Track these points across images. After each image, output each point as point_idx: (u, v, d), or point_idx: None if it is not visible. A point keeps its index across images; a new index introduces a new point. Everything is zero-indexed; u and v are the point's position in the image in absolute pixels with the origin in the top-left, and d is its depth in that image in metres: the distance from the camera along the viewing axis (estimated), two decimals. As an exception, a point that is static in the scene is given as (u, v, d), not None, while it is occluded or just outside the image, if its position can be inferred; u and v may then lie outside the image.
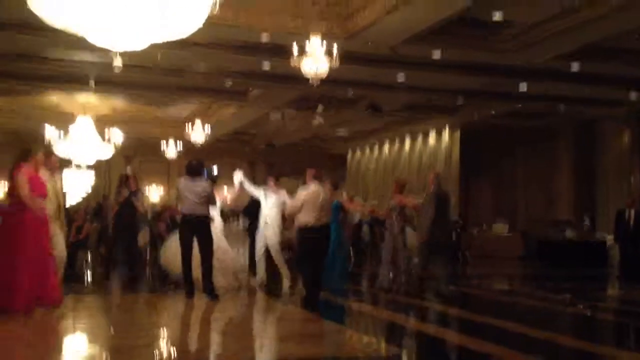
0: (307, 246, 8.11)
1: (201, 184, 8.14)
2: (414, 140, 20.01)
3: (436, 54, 11.52)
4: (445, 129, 18.78)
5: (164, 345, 5.74)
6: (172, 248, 9.52)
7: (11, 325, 6.09)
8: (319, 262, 8.11)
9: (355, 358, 5.28)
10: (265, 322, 7.53)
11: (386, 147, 21.31)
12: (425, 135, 19.54)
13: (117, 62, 6.64)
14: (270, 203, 9.42)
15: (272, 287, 9.55)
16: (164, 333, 6.34)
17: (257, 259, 9.65)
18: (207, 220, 8.27)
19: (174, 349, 5.54)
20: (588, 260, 14.33)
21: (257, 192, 9.67)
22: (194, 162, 8.37)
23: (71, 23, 6.30)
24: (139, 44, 6.57)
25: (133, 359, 4.97)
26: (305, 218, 7.88)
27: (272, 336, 6.44)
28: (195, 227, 8.09)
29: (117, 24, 6.14)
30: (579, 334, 6.84)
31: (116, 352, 5.17)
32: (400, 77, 12.84)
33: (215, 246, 8.44)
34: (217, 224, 9.44)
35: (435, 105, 16.62)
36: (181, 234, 8.31)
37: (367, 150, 22.49)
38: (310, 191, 7.97)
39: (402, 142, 20.49)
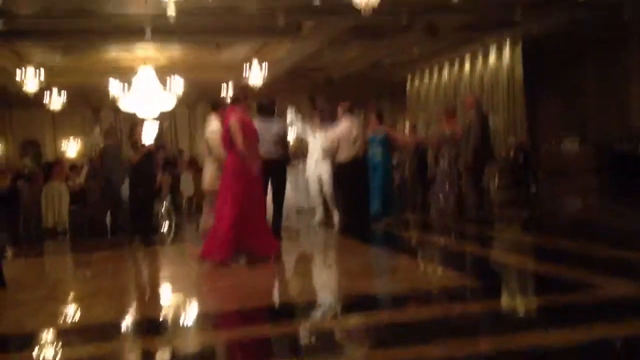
0: (344, 182, 8.37)
1: (276, 124, 7.70)
2: (474, 60, 19.43)
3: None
4: (505, 45, 18.11)
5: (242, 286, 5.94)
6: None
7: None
8: (358, 196, 8.29)
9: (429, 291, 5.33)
10: (337, 258, 7.67)
11: (446, 71, 20.80)
12: (486, 54, 18.92)
13: (171, 11, 6.68)
14: (320, 139, 9.43)
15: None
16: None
17: (314, 197, 9.67)
18: (284, 162, 7.91)
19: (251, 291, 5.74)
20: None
21: (304, 131, 9.72)
22: (266, 101, 7.85)
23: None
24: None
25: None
26: (341, 155, 8.13)
27: (346, 272, 6.55)
28: (271, 171, 7.51)
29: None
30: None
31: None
32: None
33: None
34: None
35: (493, 21, 16.02)
36: None
37: (427, 76, 22.02)
38: (342, 128, 8.17)
39: (462, 64, 19.93)
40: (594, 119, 18.17)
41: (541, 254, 6.71)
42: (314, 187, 9.67)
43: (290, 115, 9.89)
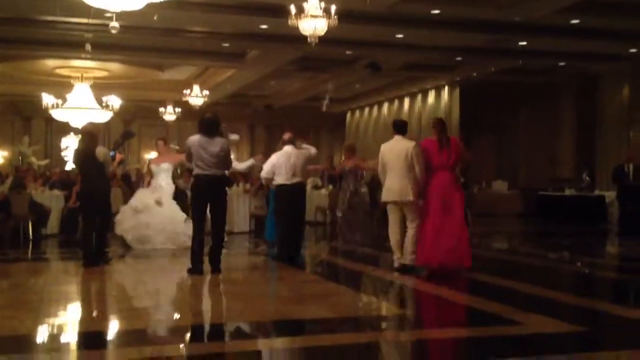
0: (281, 204, 8.50)
1: (219, 142, 7.35)
2: (412, 99, 19.92)
3: (434, 11, 11.42)
4: (444, 87, 18.67)
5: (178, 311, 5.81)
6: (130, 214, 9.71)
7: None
8: (293, 219, 8.38)
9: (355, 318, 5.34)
10: (268, 284, 7.61)
11: (385, 107, 21.23)
12: (424, 94, 19.44)
13: (114, 24, 6.58)
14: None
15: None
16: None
17: None
18: (224, 182, 7.63)
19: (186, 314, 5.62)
20: (587, 216, 14.39)
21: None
22: (210, 117, 7.50)
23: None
24: (136, 4, 6.54)
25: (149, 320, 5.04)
26: (277, 180, 8.31)
27: (277, 297, 6.49)
28: (210, 190, 7.28)
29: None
30: (579, 291, 6.93)
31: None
32: (399, 35, 12.72)
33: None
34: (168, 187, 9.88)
35: (434, 64, 16.51)
36: (194, 198, 7.51)
37: (366, 111, 22.41)
38: (279, 155, 8.39)
39: (401, 102, 20.40)
40: (524, 165, 18.86)
41: (467, 288, 6.83)
42: None
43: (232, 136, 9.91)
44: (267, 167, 8.66)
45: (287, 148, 8.59)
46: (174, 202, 9.98)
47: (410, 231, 7.38)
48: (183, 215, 9.78)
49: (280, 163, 8.47)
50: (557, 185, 16.51)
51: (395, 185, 7.33)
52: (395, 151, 7.36)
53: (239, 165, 10.15)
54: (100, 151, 8.01)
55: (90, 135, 8.10)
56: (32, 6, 10.99)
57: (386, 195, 7.47)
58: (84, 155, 7.95)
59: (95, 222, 7.99)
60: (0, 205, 11.64)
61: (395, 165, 7.31)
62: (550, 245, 10.89)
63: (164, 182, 9.87)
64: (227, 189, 8.20)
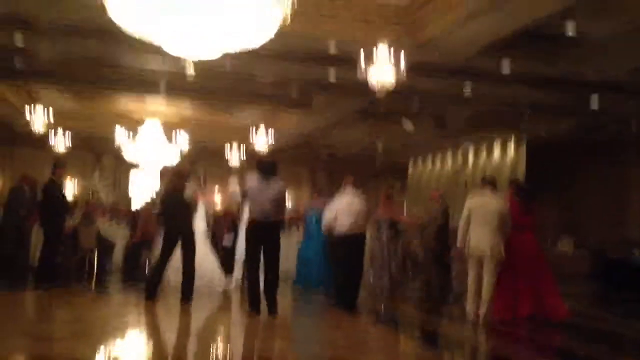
0: (339, 255, 8.39)
1: (276, 186, 7.41)
2: (477, 153, 19.64)
3: (507, 67, 11.32)
4: (510, 142, 18.37)
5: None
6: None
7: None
8: (351, 269, 8.28)
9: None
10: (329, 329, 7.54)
11: (449, 159, 21.01)
12: (490, 149, 19.15)
13: (191, 70, 6.80)
14: None
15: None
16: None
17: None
18: (279, 226, 7.62)
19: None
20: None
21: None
22: (267, 161, 7.72)
23: (148, 32, 6.53)
24: (213, 53, 6.75)
25: None
26: (339, 228, 8.20)
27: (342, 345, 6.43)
28: (265, 235, 7.31)
29: (193, 33, 6.33)
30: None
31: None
32: (468, 89, 12.66)
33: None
34: (201, 228, 9.83)
35: (501, 119, 16.31)
36: (249, 241, 7.54)
37: (430, 162, 22.21)
38: (342, 200, 8.27)
39: (466, 155, 20.13)
40: (590, 224, 18.23)
41: (535, 348, 6.60)
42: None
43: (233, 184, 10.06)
44: (329, 213, 8.58)
45: (349, 194, 8.48)
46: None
47: (488, 284, 7.56)
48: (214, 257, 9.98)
49: (342, 209, 8.38)
50: (626, 246, 15.88)
51: (485, 240, 7.43)
52: (487, 206, 7.51)
53: None
54: (189, 193, 8.23)
55: (179, 175, 8.33)
56: (110, 50, 11.46)
57: (474, 249, 7.52)
58: (172, 195, 8.13)
59: (183, 262, 8.10)
60: (69, 237, 12.02)
61: (486, 221, 7.43)
62: (618, 310, 10.43)
63: (200, 222, 9.98)
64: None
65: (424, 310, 9.28)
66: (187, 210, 8.19)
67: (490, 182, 7.93)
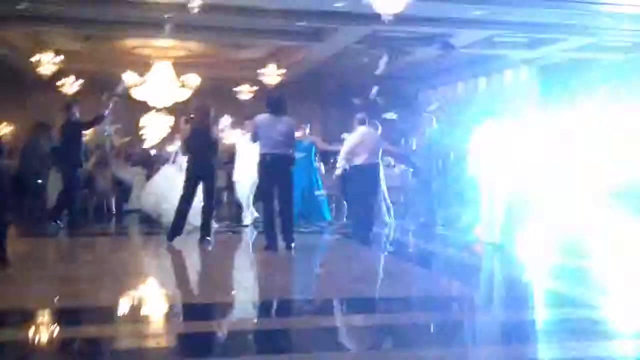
0: (353, 187, 8.49)
1: (286, 121, 7.47)
2: (490, 79, 19.35)
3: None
4: (521, 67, 18.06)
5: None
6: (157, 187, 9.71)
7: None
8: (365, 201, 8.36)
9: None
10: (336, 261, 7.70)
11: (459, 88, 20.76)
12: (500, 74, 18.87)
13: (194, 3, 6.71)
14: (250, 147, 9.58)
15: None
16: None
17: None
18: (291, 161, 7.61)
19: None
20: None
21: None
22: (276, 97, 7.71)
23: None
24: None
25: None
26: (355, 160, 8.29)
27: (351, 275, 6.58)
28: (277, 168, 7.35)
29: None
30: None
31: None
32: (476, 13, 12.40)
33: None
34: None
35: (510, 41, 16.00)
36: (262, 177, 7.59)
37: (439, 90, 21.97)
38: (356, 136, 8.37)
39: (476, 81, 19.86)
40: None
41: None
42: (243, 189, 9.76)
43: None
44: (345, 148, 8.69)
45: (362, 128, 8.59)
46: None
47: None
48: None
49: (357, 143, 8.47)
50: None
51: None
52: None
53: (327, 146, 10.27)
54: (215, 130, 8.16)
55: (206, 112, 8.11)
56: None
57: None
58: (199, 132, 7.91)
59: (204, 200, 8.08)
60: (85, 181, 12.18)
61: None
62: None
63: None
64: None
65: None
66: (212, 148, 8.07)
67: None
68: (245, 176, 9.74)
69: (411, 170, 11.40)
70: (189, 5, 6.81)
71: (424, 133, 10.92)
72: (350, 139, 8.71)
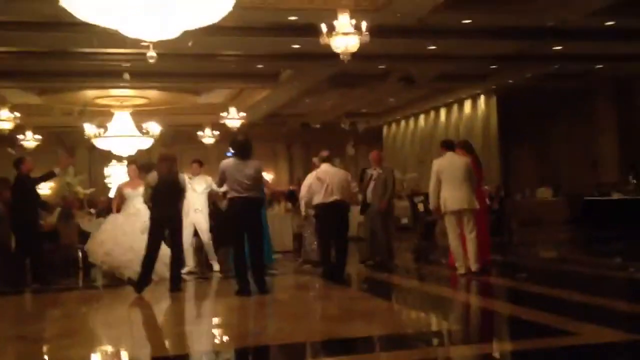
0: (319, 227, 8.47)
1: (253, 164, 7.43)
2: (449, 110, 19.80)
3: (465, 20, 11.36)
4: (480, 96, 18.52)
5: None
6: (103, 236, 9.31)
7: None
8: (333, 237, 8.29)
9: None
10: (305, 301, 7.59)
11: (422, 119, 21.15)
12: (461, 105, 19.30)
13: (151, 53, 6.71)
14: (199, 189, 9.47)
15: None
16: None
17: (185, 247, 9.15)
18: (260, 204, 7.61)
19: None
20: (636, 220, 14.01)
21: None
22: (243, 139, 7.57)
23: (102, 18, 6.40)
24: (171, 33, 6.63)
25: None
26: (315, 200, 8.26)
27: (326, 316, 6.48)
28: (248, 212, 7.28)
29: (148, 14, 6.21)
30: (634, 298, 6.73)
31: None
32: (431, 47, 12.69)
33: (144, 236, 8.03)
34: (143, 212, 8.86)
35: (468, 73, 16.39)
36: (233, 220, 7.45)
37: (402, 124, 22.36)
38: (314, 175, 8.35)
39: (437, 113, 20.30)
40: (567, 171, 18.50)
41: (517, 299, 6.72)
42: (187, 233, 9.53)
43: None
44: (303, 190, 8.66)
45: (324, 167, 8.55)
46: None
47: (474, 238, 7.89)
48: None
49: (316, 184, 8.42)
50: (603, 189, 16.15)
51: (459, 195, 7.88)
52: (455, 165, 7.98)
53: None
54: (183, 177, 8.10)
55: (173, 160, 8.08)
56: (69, 39, 11.29)
57: (450, 204, 7.93)
58: (167, 180, 7.87)
59: (172, 249, 7.96)
60: (50, 235, 11.88)
61: (457, 177, 7.93)
62: (600, 251, 10.66)
63: (142, 207, 8.93)
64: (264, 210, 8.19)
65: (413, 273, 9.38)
66: (179, 196, 8.02)
67: (449, 144, 8.44)
68: (202, 221, 9.65)
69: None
70: (148, 55, 6.77)
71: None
72: (307, 179, 8.68)
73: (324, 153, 8.78)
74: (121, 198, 9.61)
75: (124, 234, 9.11)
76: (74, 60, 12.87)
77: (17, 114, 16.20)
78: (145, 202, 8.10)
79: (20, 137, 18.16)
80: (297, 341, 5.10)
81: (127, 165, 10.56)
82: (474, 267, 7.80)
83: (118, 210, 9.62)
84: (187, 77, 15.01)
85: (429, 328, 5.68)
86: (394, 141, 22.90)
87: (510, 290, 7.36)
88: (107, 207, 14.90)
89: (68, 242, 12.22)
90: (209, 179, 9.60)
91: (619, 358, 4.19)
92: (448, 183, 7.95)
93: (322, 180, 8.37)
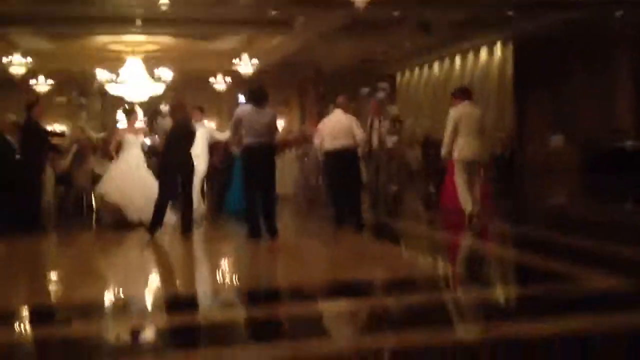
0: (327, 173, 8.52)
1: (269, 112, 7.58)
2: (464, 58, 19.50)
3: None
4: (497, 43, 18.17)
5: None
6: (115, 180, 9.45)
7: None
8: (344, 187, 8.30)
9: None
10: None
11: (436, 67, 20.87)
12: (477, 52, 18.99)
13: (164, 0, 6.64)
14: (199, 135, 9.26)
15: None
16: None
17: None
18: (274, 150, 7.78)
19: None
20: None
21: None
22: (259, 87, 7.71)
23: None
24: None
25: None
26: (325, 146, 8.28)
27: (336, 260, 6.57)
28: (261, 158, 7.43)
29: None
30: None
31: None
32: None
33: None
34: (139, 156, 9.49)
35: (486, 19, 16.07)
36: (247, 166, 7.59)
37: (417, 71, 22.07)
38: (326, 121, 8.37)
39: (453, 60, 19.98)
40: (581, 118, 18.26)
41: (524, 245, 6.77)
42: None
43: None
44: (317, 135, 8.67)
45: (335, 112, 8.51)
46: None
47: (480, 187, 8.32)
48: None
49: (323, 129, 8.42)
50: (617, 137, 16.00)
51: (474, 146, 7.99)
52: (472, 115, 8.07)
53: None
54: (193, 124, 8.23)
55: (184, 108, 8.27)
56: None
57: (465, 154, 8.01)
58: (181, 126, 8.01)
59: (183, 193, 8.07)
60: (63, 179, 12.03)
61: (473, 128, 8.01)
62: (611, 198, 10.63)
63: (140, 155, 9.54)
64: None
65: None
66: (191, 142, 8.19)
67: (467, 92, 8.39)
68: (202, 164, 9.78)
69: None
70: (160, 2, 6.70)
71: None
72: (320, 125, 8.71)
73: (340, 99, 8.73)
74: (120, 143, 9.70)
75: (134, 179, 9.27)
76: (86, 6, 12.77)
77: (30, 59, 16.16)
78: (161, 147, 8.22)
79: (33, 81, 18.18)
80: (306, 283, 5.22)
81: (128, 112, 10.62)
82: (475, 210, 7.92)
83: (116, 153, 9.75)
84: (199, 24, 14.84)
85: (434, 271, 5.76)
86: (407, 89, 22.67)
87: (516, 236, 7.43)
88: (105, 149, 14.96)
89: (81, 185, 12.36)
90: (210, 125, 9.71)
91: (622, 303, 4.23)
92: (465, 132, 8.02)
93: (327, 125, 8.42)
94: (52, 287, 5.60)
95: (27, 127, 9.47)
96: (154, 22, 13.82)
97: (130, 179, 9.32)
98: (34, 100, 10.12)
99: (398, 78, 23.21)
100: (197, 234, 8.34)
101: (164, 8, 6.90)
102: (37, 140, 9.46)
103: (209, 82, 19.27)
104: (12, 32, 15.34)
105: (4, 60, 15.69)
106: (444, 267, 6.07)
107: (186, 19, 14.23)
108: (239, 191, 9.44)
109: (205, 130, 9.81)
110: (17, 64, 15.81)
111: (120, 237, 8.80)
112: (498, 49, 18.15)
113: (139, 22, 13.57)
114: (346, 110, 8.58)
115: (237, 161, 9.79)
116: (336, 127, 8.33)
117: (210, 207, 11.04)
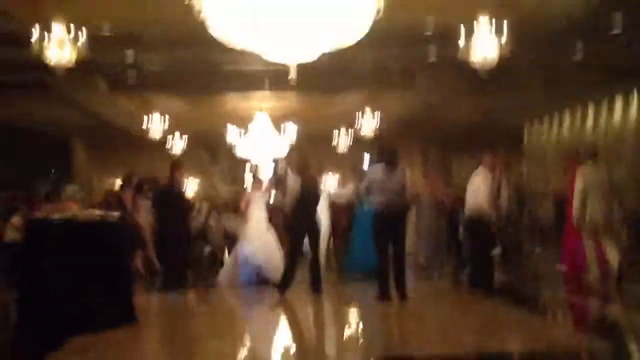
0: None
1: (400, 175, 7.57)
2: (598, 109, 18.29)
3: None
4: (633, 93, 17.01)
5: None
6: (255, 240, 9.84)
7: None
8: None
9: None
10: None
11: (567, 118, 19.81)
12: (611, 104, 17.81)
13: (293, 75, 6.92)
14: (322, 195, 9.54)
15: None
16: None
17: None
18: (406, 211, 7.72)
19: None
20: None
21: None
22: (388, 149, 7.73)
23: (247, 42, 6.68)
24: (312, 55, 6.81)
25: None
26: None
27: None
28: (393, 220, 7.45)
29: (291, 39, 6.39)
30: None
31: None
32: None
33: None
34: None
35: (619, 67, 15.15)
36: (379, 229, 7.58)
37: (546, 124, 21.09)
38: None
39: (585, 112, 18.79)
40: None
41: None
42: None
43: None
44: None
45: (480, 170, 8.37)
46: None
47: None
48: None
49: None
50: None
51: (601, 212, 7.81)
52: (600, 176, 7.88)
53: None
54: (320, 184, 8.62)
55: (310, 167, 8.67)
56: (216, 59, 11.84)
57: (596, 219, 7.86)
58: (309, 187, 8.39)
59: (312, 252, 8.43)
60: (199, 233, 12.61)
61: (601, 190, 7.83)
62: None
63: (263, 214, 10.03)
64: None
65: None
66: (317, 203, 8.46)
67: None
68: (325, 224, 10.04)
69: None
70: (289, 77, 7.00)
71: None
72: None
73: (486, 157, 8.57)
74: (249, 202, 10.14)
75: (270, 240, 9.88)
76: (218, 76, 13.50)
77: (167, 117, 17.20)
78: (289, 211, 8.47)
79: (169, 141, 19.25)
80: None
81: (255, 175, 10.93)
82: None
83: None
84: (323, 85, 15.20)
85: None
86: (537, 142, 21.58)
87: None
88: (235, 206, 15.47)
89: (216, 242, 12.89)
90: (333, 181, 9.96)
91: None
92: (593, 196, 7.68)
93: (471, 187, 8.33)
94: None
95: (170, 188, 10.05)
96: (279, 86, 14.32)
97: (269, 240, 9.78)
98: (178, 162, 10.76)
99: (525, 132, 22.28)
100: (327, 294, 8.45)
101: (292, 83, 7.18)
102: (179, 200, 10.06)
103: (329, 138, 19.59)
104: (151, 95, 16.40)
105: (144, 123, 16.75)
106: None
107: (309, 84, 14.60)
108: (362, 251, 9.54)
109: (326, 191, 10.10)
110: (156, 126, 16.82)
111: (252, 294, 9.07)
112: (635, 99, 16.97)
113: (267, 86, 14.14)
114: (492, 169, 8.34)
115: (357, 220, 9.92)
116: (481, 187, 8.13)
117: (334, 267, 11.18)
